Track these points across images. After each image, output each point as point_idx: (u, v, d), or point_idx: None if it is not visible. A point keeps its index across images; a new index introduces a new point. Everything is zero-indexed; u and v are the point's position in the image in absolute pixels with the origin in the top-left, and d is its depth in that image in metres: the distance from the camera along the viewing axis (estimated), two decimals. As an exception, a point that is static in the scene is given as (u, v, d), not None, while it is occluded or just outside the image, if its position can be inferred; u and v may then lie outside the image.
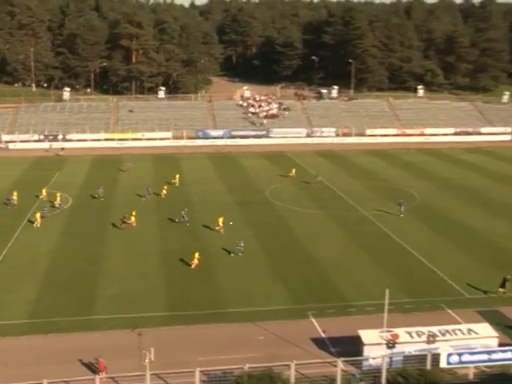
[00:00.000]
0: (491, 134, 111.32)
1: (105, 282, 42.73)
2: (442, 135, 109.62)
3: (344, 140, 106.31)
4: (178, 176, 72.96)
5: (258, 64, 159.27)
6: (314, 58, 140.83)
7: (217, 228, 53.72)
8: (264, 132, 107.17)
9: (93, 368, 31.42)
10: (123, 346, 33.67)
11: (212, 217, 56.60)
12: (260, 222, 57.06)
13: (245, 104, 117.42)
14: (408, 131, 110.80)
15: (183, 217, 56.32)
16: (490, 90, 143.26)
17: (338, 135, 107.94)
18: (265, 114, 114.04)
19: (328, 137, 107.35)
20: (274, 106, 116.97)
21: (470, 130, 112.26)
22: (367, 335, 32.57)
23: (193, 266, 45.20)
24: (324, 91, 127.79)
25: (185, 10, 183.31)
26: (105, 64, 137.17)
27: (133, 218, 55.33)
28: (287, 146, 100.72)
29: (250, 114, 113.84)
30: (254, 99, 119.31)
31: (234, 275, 44.08)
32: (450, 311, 38.51)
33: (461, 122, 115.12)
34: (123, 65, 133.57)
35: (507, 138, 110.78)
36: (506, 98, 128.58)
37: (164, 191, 66.61)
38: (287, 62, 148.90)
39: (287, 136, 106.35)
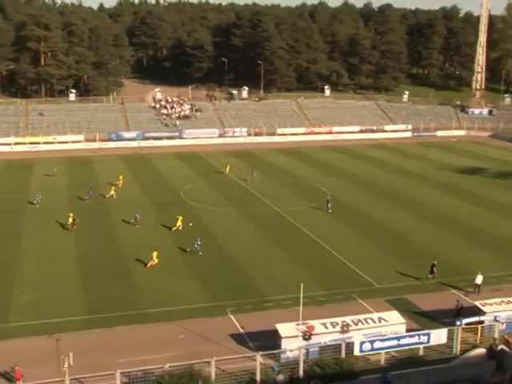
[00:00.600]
0: (394, 132, 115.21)
1: (20, 288, 41.09)
2: (348, 133, 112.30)
3: (256, 139, 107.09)
4: (121, 177, 71.43)
5: (169, 66, 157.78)
6: (224, 59, 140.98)
7: (174, 228, 53.27)
8: (177, 133, 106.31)
9: (9, 377, 30.15)
10: (41, 352, 32.51)
11: (127, 217, 56.20)
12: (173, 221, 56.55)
13: (157, 106, 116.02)
14: (316, 130, 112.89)
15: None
16: (392, 90, 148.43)
17: (249, 135, 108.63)
18: (177, 115, 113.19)
19: (240, 137, 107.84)
20: (186, 107, 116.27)
21: (374, 127, 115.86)
22: (284, 328, 32.92)
23: (148, 266, 44.69)
24: (235, 92, 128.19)
25: (93, 12, 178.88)
26: (11, 66, 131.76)
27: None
28: (200, 147, 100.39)
29: (162, 116, 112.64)
30: (166, 101, 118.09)
31: (152, 276, 43.47)
32: (361, 301, 39.55)
33: (366, 120, 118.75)
34: (31, 67, 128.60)
35: (408, 134, 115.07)
36: (405, 97, 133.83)
37: (112, 192, 65.04)
38: (198, 63, 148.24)
39: (200, 137, 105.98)
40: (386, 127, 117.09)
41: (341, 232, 53.69)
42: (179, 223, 53.92)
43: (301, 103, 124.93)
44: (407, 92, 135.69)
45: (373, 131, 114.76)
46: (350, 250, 49.23)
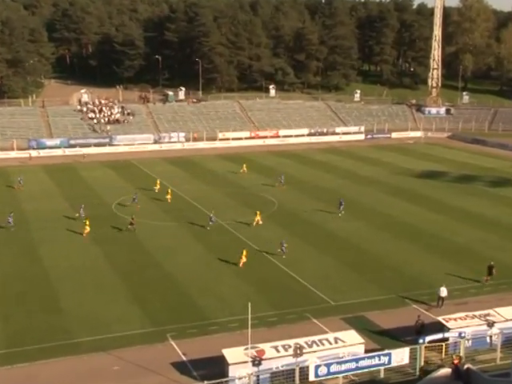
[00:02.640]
0: (345, 134, 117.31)
1: None
2: (296, 136, 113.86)
3: (195, 145, 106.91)
4: (158, 181, 74.48)
5: (96, 64, 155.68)
6: (157, 57, 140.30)
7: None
8: (107, 139, 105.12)
9: None
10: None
11: (52, 236, 55.07)
12: (107, 239, 55.84)
13: (83, 109, 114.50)
14: (261, 133, 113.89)
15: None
16: (342, 89, 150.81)
17: (188, 140, 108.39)
18: (107, 119, 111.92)
19: (177, 142, 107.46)
20: (117, 110, 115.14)
21: (324, 130, 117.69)
22: (231, 354, 32.77)
23: (241, 265, 48.26)
24: (170, 93, 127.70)
25: (5, 2, 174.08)
26: None
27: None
28: (133, 154, 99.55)
29: (91, 120, 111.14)
30: (94, 103, 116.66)
31: (81, 299, 42.65)
32: (315, 321, 39.73)
33: (315, 122, 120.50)
34: None
35: (361, 137, 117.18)
36: (357, 96, 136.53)
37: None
38: (128, 61, 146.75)
39: (133, 143, 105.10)
40: (337, 129, 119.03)
41: (291, 244, 53.54)
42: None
43: (244, 104, 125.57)
44: (359, 91, 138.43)
45: (323, 134, 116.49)
46: (302, 265, 49.50)
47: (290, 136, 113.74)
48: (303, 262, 50.32)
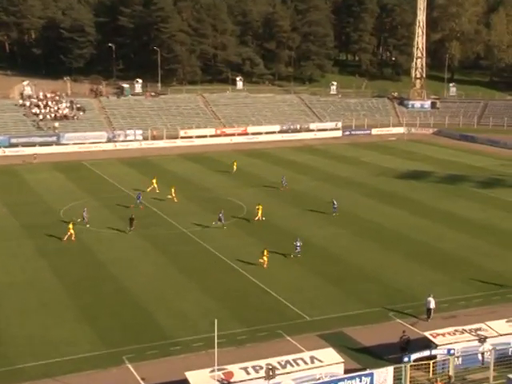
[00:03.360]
0: (321, 131, 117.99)
1: None
2: (267, 133, 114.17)
3: (154, 144, 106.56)
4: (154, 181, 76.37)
5: (40, 53, 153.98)
6: (110, 45, 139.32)
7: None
8: (54, 138, 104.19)
9: None
10: None
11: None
12: (55, 249, 55.29)
13: (27, 103, 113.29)
14: (228, 130, 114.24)
15: None
16: (317, 81, 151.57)
17: (146, 139, 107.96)
18: (53, 115, 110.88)
19: (134, 141, 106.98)
20: (65, 105, 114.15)
21: (297, 126, 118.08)
22: (196, 377, 32.55)
23: (265, 266, 50.40)
24: (126, 86, 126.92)
25: None
26: None
27: None
28: (84, 154, 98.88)
29: (36, 116, 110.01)
30: (38, 97, 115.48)
31: (24, 319, 42.03)
32: (289, 338, 39.69)
33: (287, 118, 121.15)
34: None
35: (338, 134, 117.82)
36: (334, 88, 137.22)
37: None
38: (77, 50, 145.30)
39: (84, 142, 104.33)
40: (312, 125, 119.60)
41: (257, 250, 53.01)
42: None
43: (208, 99, 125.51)
44: (335, 83, 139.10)
45: (296, 131, 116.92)
46: (274, 276, 49.37)
47: (260, 133, 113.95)
48: (275, 273, 50.21)
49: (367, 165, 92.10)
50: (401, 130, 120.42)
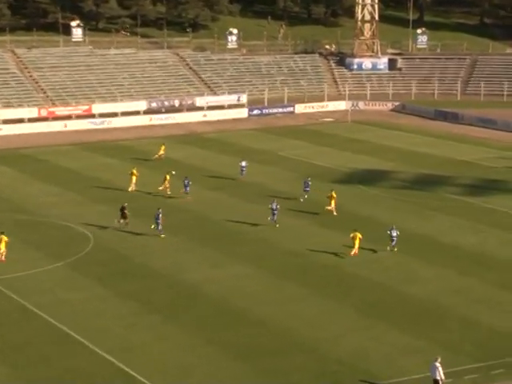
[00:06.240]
0: (215, 109, 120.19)
1: None
2: (125, 115, 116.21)
3: None
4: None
5: None
6: None
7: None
8: None
9: None
10: None
11: None
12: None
13: None
14: (60, 110, 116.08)
15: None
16: (207, 28, 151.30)
17: None
18: None
19: None
20: None
21: (175, 102, 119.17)
22: None
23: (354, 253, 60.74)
24: None
25: None
26: None
27: None
28: None
29: None
30: None
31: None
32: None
33: (159, 89, 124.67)
34: None
35: (242, 113, 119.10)
36: (233, 40, 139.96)
37: None
38: None
39: None
40: (200, 101, 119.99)
41: (113, 310, 52.94)
42: None
43: (24, 57, 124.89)
44: (235, 30, 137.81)
45: (174, 110, 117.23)
46: (134, 343, 48.10)
47: (114, 114, 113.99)
48: (136, 341, 48.61)
49: (289, 162, 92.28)
50: (342, 105, 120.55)
